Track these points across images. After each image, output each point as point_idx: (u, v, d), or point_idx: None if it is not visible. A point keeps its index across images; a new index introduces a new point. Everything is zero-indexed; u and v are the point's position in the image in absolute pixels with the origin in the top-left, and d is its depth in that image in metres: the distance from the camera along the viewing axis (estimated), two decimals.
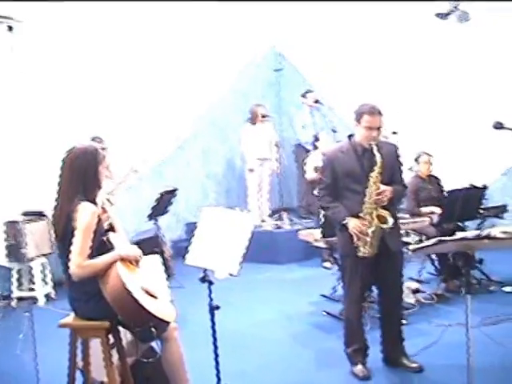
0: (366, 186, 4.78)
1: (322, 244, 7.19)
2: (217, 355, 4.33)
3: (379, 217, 4.78)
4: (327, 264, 8.77)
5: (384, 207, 4.80)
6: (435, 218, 7.22)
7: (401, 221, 6.81)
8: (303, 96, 10.59)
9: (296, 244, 9.20)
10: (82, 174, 3.85)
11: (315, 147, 9.52)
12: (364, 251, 4.79)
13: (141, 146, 8.98)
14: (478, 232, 3.55)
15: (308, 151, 9.89)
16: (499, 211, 7.49)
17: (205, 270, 4.33)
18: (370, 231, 4.75)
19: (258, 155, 10.19)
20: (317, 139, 9.53)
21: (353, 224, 4.79)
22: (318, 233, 6.81)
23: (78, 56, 8.67)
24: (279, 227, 9.74)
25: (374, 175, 4.76)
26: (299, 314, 6.82)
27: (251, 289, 7.49)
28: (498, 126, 5.11)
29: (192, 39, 10.41)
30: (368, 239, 4.77)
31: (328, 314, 6.66)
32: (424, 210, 7.51)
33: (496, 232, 3.50)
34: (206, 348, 4.41)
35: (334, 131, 9.63)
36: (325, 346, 5.75)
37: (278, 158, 10.42)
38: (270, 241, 9.42)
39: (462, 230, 7.05)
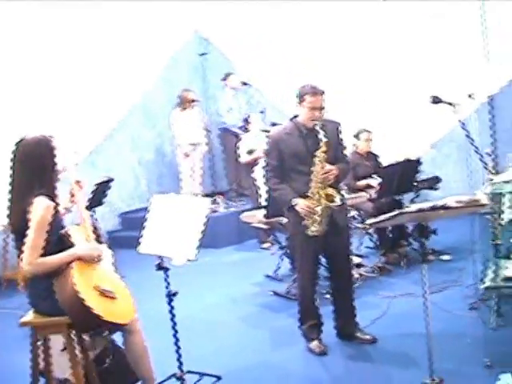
0: (311, 166, 4.82)
1: (263, 225, 7.26)
2: (177, 340, 4.35)
3: (327, 195, 4.84)
4: (266, 245, 8.83)
5: (331, 185, 4.87)
6: (373, 194, 7.35)
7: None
8: (224, 79, 10.59)
9: (232, 227, 9.28)
10: (36, 167, 3.71)
11: (246, 130, 9.54)
12: (313, 230, 4.84)
13: (71, 136, 8.78)
14: (433, 203, 3.64)
15: (236, 135, 9.91)
16: (432, 183, 7.67)
17: (160, 257, 4.31)
18: (318, 210, 4.81)
19: (190, 140, 10.15)
20: (247, 121, 9.54)
21: (301, 204, 4.83)
22: (261, 214, 6.84)
23: (5, 47, 8.43)
24: (215, 211, 9.73)
25: (320, 154, 4.80)
26: (245, 295, 6.85)
27: (193, 274, 7.44)
28: (436, 100, 5.27)
29: (116, 27, 10.25)
30: (317, 218, 4.82)
31: (274, 293, 6.72)
32: (361, 183, 7.63)
33: (451, 202, 3.61)
34: (157, 336, 4.43)
35: (263, 112, 9.66)
36: (276, 325, 5.80)
37: (207, 143, 10.48)
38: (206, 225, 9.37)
39: (399, 203, 7.22)
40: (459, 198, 3.65)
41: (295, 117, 5.04)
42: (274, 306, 6.39)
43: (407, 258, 7.21)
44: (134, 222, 9.72)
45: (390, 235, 7.43)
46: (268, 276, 7.37)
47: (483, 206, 3.81)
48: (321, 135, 4.78)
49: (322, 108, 4.90)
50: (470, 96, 5.74)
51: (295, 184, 4.93)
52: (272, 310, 6.31)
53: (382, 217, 3.74)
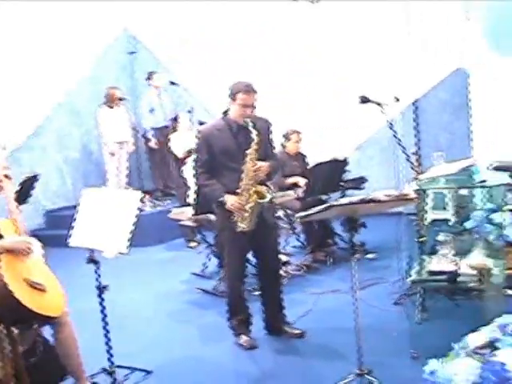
0: (241, 163, 4.86)
1: (191, 223, 7.26)
2: (107, 332, 4.32)
3: (257, 192, 4.88)
4: (193, 244, 8.84)
5: (261, 182, 4.93)
6: (300, 193, 7.44)
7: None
8: (148, 78, 10.56)
9: (159, 226, 9.25)
10: None
11: (174, 129, 9.53)
12: (243, 226, 4.87)
13: None
14: (362, 196, 3.74)
15: (166, 133, 9.90)
16: (358, 183, 7.82)
17: (91, 251, 4.28)
18: (248, 207, 4.85)
19: (116, 138, 10.09)
20: (176, 120, 9.54)
21: (231, 201, 4.86)
22: (189, 211, 6.84)
23: None
24: (141, 210, 9.62)
25: (251, 152, 4.84)
26: (173, 292, 6.85)
27: (120, 272, 7.38)
28: (364, 99, 5.37)
29: (44, 24, 10.06)
30: (246, 214, 4.86)
31: (202, 290, 6.73)
32: (289, 180, 7.71)
33: (380, 195, 3.70)
34: (87, 330, 4.42)
35: (190, 112, 9.67)
36: (205, 322, 5.81)
37: (134, 142, 10.43)
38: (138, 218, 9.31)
39: (325, 203, 7.32)
40: (388, 192, 3.75)
41: (226, 113, 5.07)
42: (202, 303, 6.40)
43: (333, 257, 7.35)
44: (58, 220, 9.60)
45: (317, 234, 7.56)
46: (195, 274, 7.38)
47: (411, 200, 3.92)
48: (253, 133, 4.82)
49: (253, 106, 4.95)
50: (396, 99, 5.88)
51: (225, 180, 4.95)
52: (200, 306, 6.33)
53: (313, 210, 3.81)
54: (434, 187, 5.26)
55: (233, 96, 4.93)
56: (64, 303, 3.88)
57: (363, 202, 3.69)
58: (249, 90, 4.89)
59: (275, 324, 5.26)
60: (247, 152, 4.83)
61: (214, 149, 4.95)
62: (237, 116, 4.95)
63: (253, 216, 4.88)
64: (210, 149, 4.96)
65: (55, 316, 3.77)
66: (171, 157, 9.59)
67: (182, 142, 9.12)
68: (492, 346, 3.30)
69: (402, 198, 3.81)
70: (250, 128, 4.83)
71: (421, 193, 5.22)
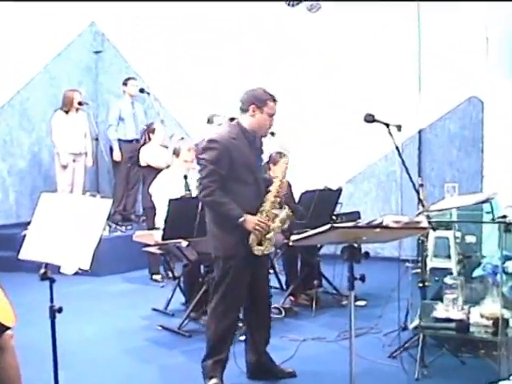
0: (256, 176, 5.01)
1: (157, 250, 7.24)
2: (56, 369, 4.23)
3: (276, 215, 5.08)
4: (157, 277, 8.81)
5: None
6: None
7: None
8: (124, 84, 10.59)
9: (117, 254, 9.21)
10: None
11: (149, 139, 9.51)
12: (261, 249, 4.98)
13: None
14: (369, 220, 3.76)
15: (135, 148, 9.94)
16: (352, 218, 7.84)
17: (45, 265, 4.22)
18: (274, 226, 5.02)
19: (71, 149, 10.03)
20: (150, 131, 9.53)
21: (254, 221, 4.93)
22: (158, 234, 6.77)
23: None
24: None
25: (282, 171, 5.13)
26: (132, 329, 6.81)
27: (70, 303, 7.28)
28: (370, 118, 5.25)
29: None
30: (268, 236, 4.98)
31: (164, 328, 6.70)
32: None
33: (388, 221, 3.72)
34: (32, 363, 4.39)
35: (162, 122, 9.69)
36: (168, 363, 5.77)
37: (93, 153, 10.39)
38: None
39: None
40: (397, 218, 3.77)
41: (232, 120, 5.15)
42: (164, 342, 6.36)
43: (318, 301, 7.34)
44: None
45: (300, 274, 7.58)
46: (156, 310, 7.35)
47: (424, 229, 3.95)
48: (284, 146, 5.11)
49: None
50: (397, 127, 5.88)
51: (237, 197, 4.96)
52: (162, 345, 6.28)
53: (311, 232, 3.82)
54: (446, 221, 5.29)
55: (262, 103, 4.99)
56: (13, 316, 3.84)
57: (370, 226, 3.71)
58: (276, 99, 5.05)
59: (264, 364, 5.29)
60: (274, 168, 4.98)
61: (234, 161, 4.97)
62: (261, 126, 5.05)
63: (273, 239, 5.02)
64: (231, 162, 4.96)
65: (9, 326, 3.76)
66: (141, 173, 9.60)
67: (156, 157, 9.13)
68: None
69: (414, 227, 3.84)
70: (269, 141, 5.12)
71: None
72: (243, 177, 4.99)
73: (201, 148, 5.22)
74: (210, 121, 9.12)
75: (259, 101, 4.99)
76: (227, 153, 4.95)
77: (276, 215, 5.04)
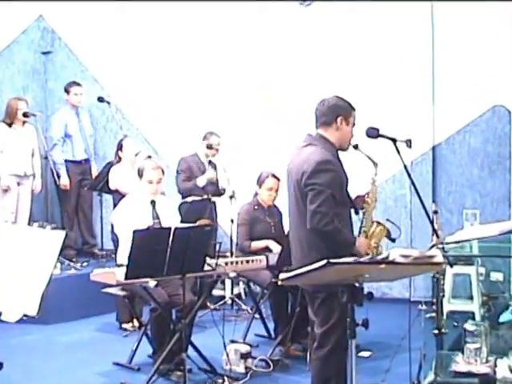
0: (349, 196, 5.19)
1: (119, 291, 7.22)
2: None
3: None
4: (128, 326, 8.71)
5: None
6: (272, 259, 7.39)
7: (229, 260, 7.07)
8: (66, 91, 10.63)
9: (70, 296, 9.18)
10: None
11: (119, 158, 9.46)
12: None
13: None
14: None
15: (84, 169, 9.95)
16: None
17: None
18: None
19: (14, 169, 9.97)
20: (120, 148, 9.46)
21: (366, 243, 5.22)
22: (120, 273, 6.73)
23: None
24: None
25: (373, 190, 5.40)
26: None
27: (14, 358, 7.28)
28: (373, 133, 5.16)
29: None
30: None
31: None
32: (256, 244, 7.84)
33: (395, 255, 3.72)
34: None
35: (126, 136, 9.68)
36: None
37: (42, 176, 10.36)
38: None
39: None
40: (407, 251, 3.78)
41: (321, 136, 5.21)
42: None
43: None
44: None
45: (292, 320, 7.57)
46: (118, 364, 7.34)
47: (438, 265, 3.95)
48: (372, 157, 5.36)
49: None
50: (407, 143, 5.85)
51: (342, 221, 5.08)
52: None
53: (304, 269, 3.84)
54: (466, 255, 5.32)
55: (348, 113, 5.18)
56: None
57: (373, 262, 3.74)
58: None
59: None
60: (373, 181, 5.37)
61: (342, 183, 5.13)
62: (346, 139, 5.24)
63: None
64: (341, 184, 5.12)
65: None
66: (112, 198, 9.62)
67: (126, 179, 9.07)
68: None
69: (427, 262, 3.84)
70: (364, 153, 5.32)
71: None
72: (344, 198, 5.14)
73: (309, 171, 5.06)
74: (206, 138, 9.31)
75: (345, 111, 5.15)
76: (338, 174, 5.09)
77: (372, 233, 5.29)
